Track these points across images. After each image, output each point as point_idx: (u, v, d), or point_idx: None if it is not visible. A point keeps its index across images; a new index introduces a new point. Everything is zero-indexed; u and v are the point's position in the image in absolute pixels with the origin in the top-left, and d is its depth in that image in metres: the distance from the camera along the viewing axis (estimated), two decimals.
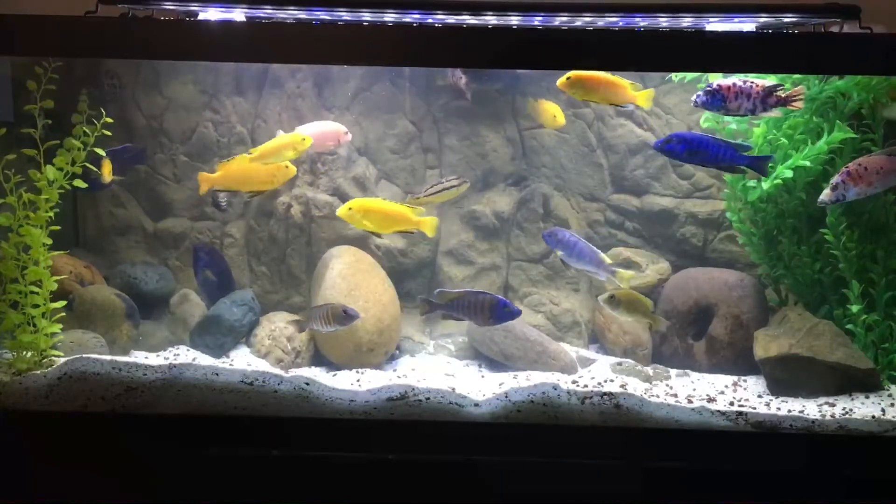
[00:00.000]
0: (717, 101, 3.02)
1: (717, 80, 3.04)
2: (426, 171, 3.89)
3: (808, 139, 3.30)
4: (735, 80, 3.00)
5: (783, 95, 3.00)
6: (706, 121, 3.48)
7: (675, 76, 3.54)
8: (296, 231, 3.78)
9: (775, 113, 3.04)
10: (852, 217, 3.31)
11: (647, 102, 3.24)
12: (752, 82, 2.99)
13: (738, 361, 3.41)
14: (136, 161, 3.78)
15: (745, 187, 3.45)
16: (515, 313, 3.17)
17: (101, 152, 3.27)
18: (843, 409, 2.95)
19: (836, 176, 3.06)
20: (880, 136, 3.25)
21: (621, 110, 3.80)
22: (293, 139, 3.38)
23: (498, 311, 3.16)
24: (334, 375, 3.33)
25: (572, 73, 3.14)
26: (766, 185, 3.33)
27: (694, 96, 3.07)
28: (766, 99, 2.99)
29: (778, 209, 3.43)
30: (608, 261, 3.26)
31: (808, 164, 3.22)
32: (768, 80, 3.02)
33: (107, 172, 3.47)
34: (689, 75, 3.45)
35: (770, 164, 3.18)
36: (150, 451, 2.85)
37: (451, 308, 3.19)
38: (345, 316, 3.22)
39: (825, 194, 3.07)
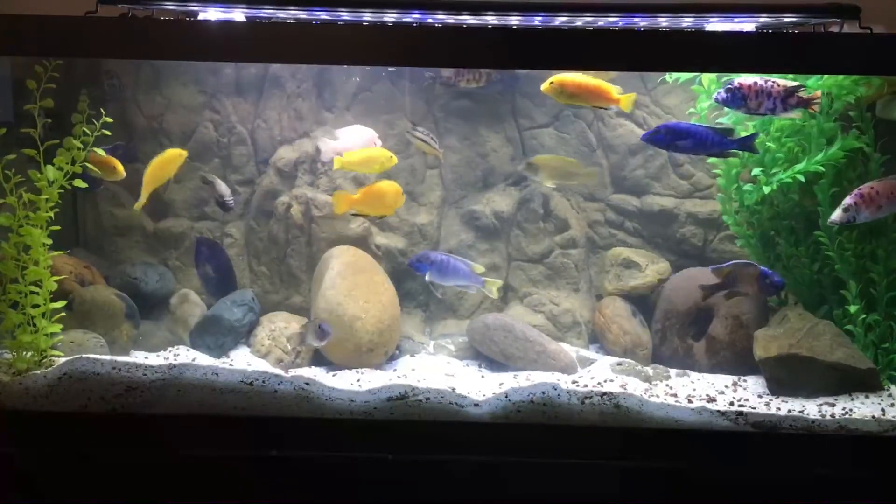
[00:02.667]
0: (737, 99, 3.02)
1: (738, 78, 3.03)
2: (426, 171, 3.89)
3: (800, 141, 3.30)
4: (756, 78, 3.00)
5: (804, 97, 2.99)
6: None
7: (669, 77, 3.54)
8: (296, 231, 3.78)
9: (795, 114, 3.04)
10: None
11: (629, 106, 3.33)
12: (773, 82, 2.99)
13: (738, 361, 3.41)
14: (128, 159, 3.76)
15: (739, 190, 3.46)
16: (778, 284, 3.24)
17: (101, 152, 3.27)
18: (843, 409, 2.96)
19: (849, 197, 3.04)
20: (871, 137, 3.25)
21: (621, 110, 3.81)
22: (381, 154, 3.49)
23: (761, 282, 3.23)
24: (334, 375, 3.33)
25: (555, 78, 3.19)
26: (766, 189, 3.33)
27: (714, 93, 3.08)
28: (787, 99, 2.99)
29: (773, 210, 3.43)
30: (480, 270, 3.30)
31: (822, 168, 3.22)
32: (790, 81, 3.02)
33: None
34: (684, 76, 3.45)
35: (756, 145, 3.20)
36: (150, 451, 2.85)
37: (728, 284, 3.26)
38: (320, 332, 3.26)
39: (836, 215, 3.06)
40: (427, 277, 3.27)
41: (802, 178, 3.24)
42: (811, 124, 3.28)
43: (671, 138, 3.11)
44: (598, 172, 3.81)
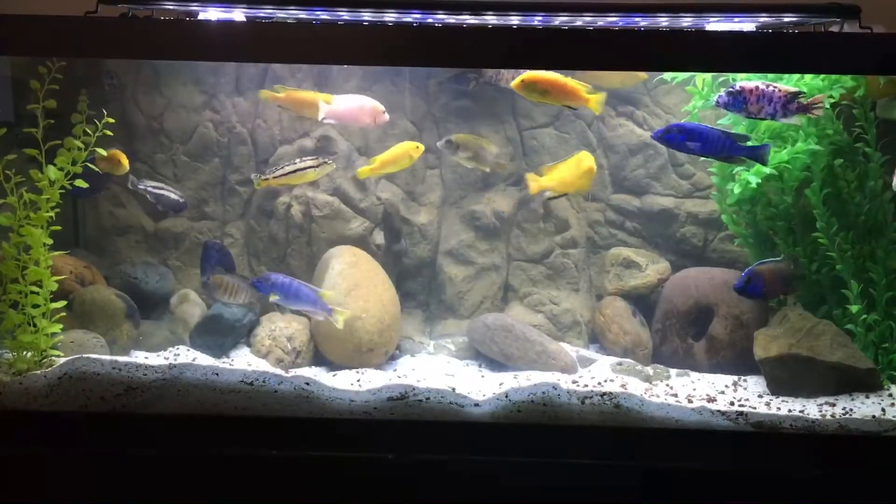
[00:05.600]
0: (738, 102, 3.00)
1: (739, 81, 3.02)
2: (426, 171, 3.89)
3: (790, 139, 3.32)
4: (758, 82, 2.99)
5: (805, 103, 2.98)
6: None
7: (668, 76, 3.54)
8: (296, 231, 3.78)
9: (795, 120, 3.03)
10: (848, 218, 3.31)
11: (598, 108, 3.28)
12: (774, 86, 2.98)
13: (738, 361, 3.41)
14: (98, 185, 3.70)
15: (725, 190, 3.47)
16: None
17: (103, 152, 3.26)
18: (843, 409, 2.96)
19: None
20: (873, 137, 3.25)
21: (622, 109, 3.81)
22: (409, 147, 3.47)
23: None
24: (334, 375, 3.33)
25: (526, 75, 3.17)
26: (737, 189, 3.35)
27: (716, 96, 3.07)
28: (788, 105, 2.98)
29: (768, 211, 3.43)
30: (329, 296, 3.27)
31: (769, 171, 3.25)
32: (791, 86, 3.01)
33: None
34: (680, 75, 3.45)
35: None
36: (150, 451, 2.85)
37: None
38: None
39: None
40: (272, 299, 3.29)
41: (758, 180, 3.26)
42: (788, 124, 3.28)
43: (682, 138, 3.08)
44: (506, 166, 3.76)
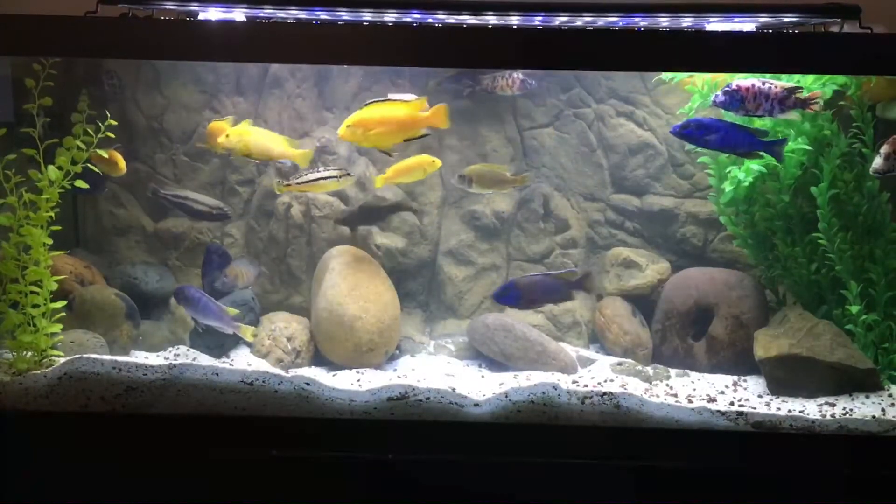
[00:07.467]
0: (735, 101, 3.00)
1: (736, 80, 3.02)
2: None
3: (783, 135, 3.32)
4: (754, 80, 2.99)
5: (802, 98, 2.98)
6: None
7: (666, 76, 3.54)
8: (296, 231, 3.78)
9: (794, 116, 3.03)
10: (847, 219, 3.31)
11: (304, 162, 3.47)
12: (771, 83, 2.98)
13: (738, 361, 3.41)
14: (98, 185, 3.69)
15: (720, 190, 3.47)
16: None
17: (104, 153, 3.26)
18: (843, 409, 2.96)
19: (885, 146, 3.03)
20: (870, 137, 3.25)
21: (621, 109, 3.81)
22: (423, 160, 3.47)
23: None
24: (334, 375, 3.33)
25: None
26: (728, 187, 3.34)
27: (713, 95, 3.07)
28: (785, 101, 2.98)
29: (766, 211, 3.43)
30: (230, 314, 3.35)
31: (758, 169, 3.26)
32: (788, 82, 3.01)
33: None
34: (681, 75, 3.45)
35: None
36: (150, 451, 2.85)
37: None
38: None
39: (877, 163, 3.04)
40: (186, 311, 3.39)
41: (749, 178, 3.27)
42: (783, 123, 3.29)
43: (700, 133, 3.08)
44: (530, 176, 3.72)
